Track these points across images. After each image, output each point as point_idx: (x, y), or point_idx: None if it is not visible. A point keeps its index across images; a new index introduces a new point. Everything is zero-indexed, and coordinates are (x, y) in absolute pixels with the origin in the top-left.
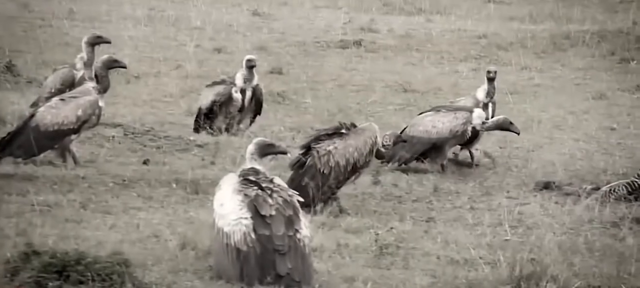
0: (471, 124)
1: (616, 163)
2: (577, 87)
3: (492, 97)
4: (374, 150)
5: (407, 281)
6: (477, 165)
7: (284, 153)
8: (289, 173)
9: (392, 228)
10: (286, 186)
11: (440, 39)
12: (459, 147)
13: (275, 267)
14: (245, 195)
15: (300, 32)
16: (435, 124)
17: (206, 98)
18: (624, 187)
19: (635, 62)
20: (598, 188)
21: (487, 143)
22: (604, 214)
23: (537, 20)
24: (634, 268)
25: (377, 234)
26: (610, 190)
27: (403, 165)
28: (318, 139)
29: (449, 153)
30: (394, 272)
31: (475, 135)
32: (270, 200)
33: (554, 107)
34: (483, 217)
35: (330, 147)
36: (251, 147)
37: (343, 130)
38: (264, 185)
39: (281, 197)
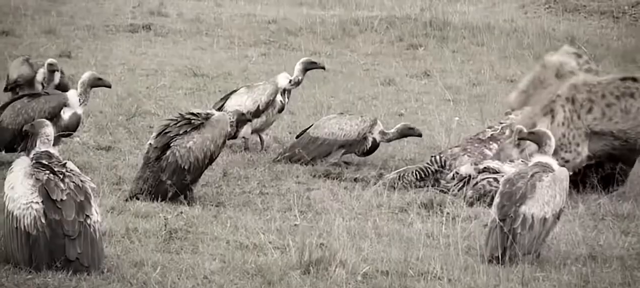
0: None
1: (404, 149)
2: (366, 73)
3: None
4: (226, 141)
5: (197, 265)
6: (266, 150)
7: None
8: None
9: (181, 213)
10: (79, 171)
11: (230, 23)
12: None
13: (64, 251)
14: (37, 179)
15: (89, 16)
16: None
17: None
18: (414, 173)
19: (423, 48)
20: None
21: (277, 128)
22: (392, 199)
23: (326, 6)
24: (421, 253)
25: (167, 219)
26: (399, 176)
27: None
28: (166, 132)
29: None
30: (183, 257)
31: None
32: (62, 185)
33: (343, 93)
34: (272, 202)
35: (190, 143)
36: (48, 130)
37: (198, 122)
38: (56, 169)
39: (73, 182)
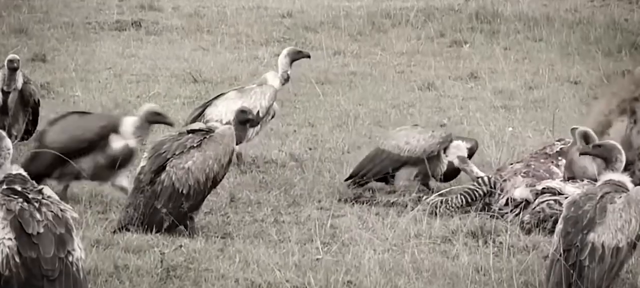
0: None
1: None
2: (401, 76)
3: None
4: (232, 159)
5: None
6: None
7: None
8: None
9: (180, 246)
10: (57, 198)
11: (236, 18)
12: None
13: None
14: (8, 210)
15: (67, 11)
16: None
17: None
18: (461, 196)
19: (468, 45)
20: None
21: (294, 143)
22: (433, 227)
23: None
24: None
25: (163, 254)
26: (442, 199)
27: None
28: (160, 151)
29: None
30: None
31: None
32: (38, 216)
33: (373, 99)
34: (290, 232)
35: (189, 163)
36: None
37: (200, 137)
38: (31, 196)
39: (52, 211)
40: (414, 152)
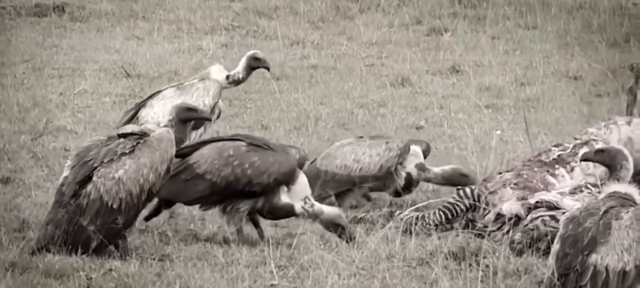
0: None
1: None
2: (370, 69)
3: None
4: (171, 168)
5: None
6: None
7: None
8: None
9: (110, 270)
10: None
11: (176, 2)
12: None
13: None
14: None
15: None
16: None
17: None
18: (440, 212)
19: (449, 33)
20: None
21: None
22: (408, 248)
23: None
24: None
25: (90, 279)
26: (420, 215)
27: None
28: (87, 159)
29: None
30: None
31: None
32: None
33: (337, 97)
34: (239, 253)
35: (120, 172)
36: None
37: (133, 143)
38: None
39: None
40: (368, 170)
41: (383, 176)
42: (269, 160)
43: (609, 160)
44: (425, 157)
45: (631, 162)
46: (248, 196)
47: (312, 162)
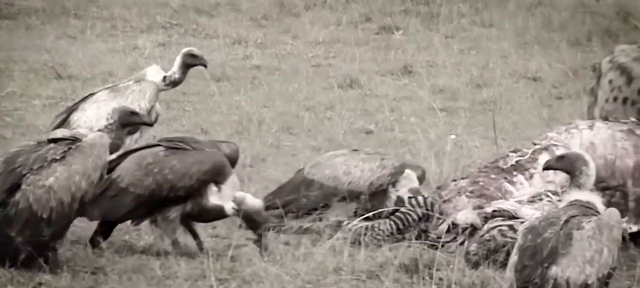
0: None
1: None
2: (316, 70)
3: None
4: (105, 175)
5: None
6: None
7: None
8: None
9: (40, 284)
10: None
11: None
12: None
13: None
14: None
15: None
16: None
17: None
18: (390, 222)
19: (400, 32)
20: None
21: None
22: (357, 260)
23: None
24: None
25: None
26: (370, 225)
27: None
28: (14, 166)
29: None
30: None
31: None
32: None
33: (281, 100)
34: (177, 266)
35: (50, 180)
36: None
37: (64, 148)
38: None
39: None
40: (357, 185)
41: (372, 194)
42: (189, 161)
43: (568, 166)
44: (420, 184)
45: (592, 167)
46: (175, 202)
47: (299, 170)
